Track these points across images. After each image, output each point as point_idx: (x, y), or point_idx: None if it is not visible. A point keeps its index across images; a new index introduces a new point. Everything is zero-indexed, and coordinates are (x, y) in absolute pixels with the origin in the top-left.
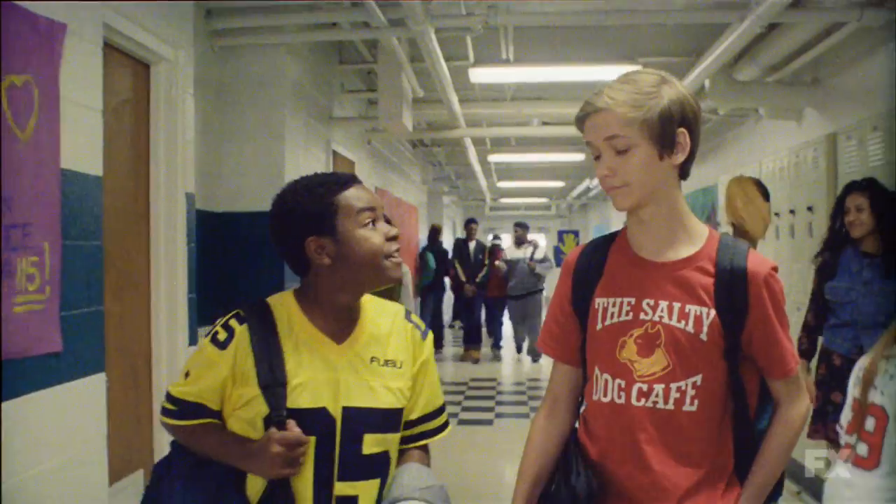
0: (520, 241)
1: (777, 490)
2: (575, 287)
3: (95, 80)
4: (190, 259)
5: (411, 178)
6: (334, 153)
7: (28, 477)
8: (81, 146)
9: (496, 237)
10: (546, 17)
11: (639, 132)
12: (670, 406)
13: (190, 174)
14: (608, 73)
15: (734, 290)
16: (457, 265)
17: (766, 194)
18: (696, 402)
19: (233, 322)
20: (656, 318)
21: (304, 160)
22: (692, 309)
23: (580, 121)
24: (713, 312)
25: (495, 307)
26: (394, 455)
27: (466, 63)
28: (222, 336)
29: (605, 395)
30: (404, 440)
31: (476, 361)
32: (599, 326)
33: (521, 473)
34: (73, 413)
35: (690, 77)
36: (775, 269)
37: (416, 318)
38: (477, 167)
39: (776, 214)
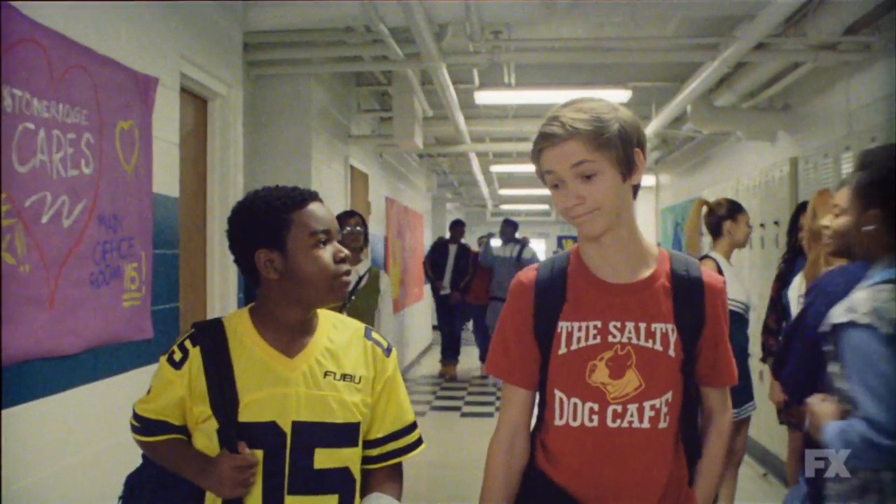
0: (506, 240)
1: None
2: (538, 311)
3: (174, 119)
4: None
5: (417, 186)
6: (351, 168)
7: (128, 439)
8: (164, 173)
9: (490, 235)
10: (544, 54)
11: (604, 157)
12: (646, 425)
13: (239, 192)
14: (601, 96)
15: (692, 303)
16: (426, 268)
17: (737, 208)
18: (668, 418)
19: (187, 343)
20: (625, 340)
21: (327, 175)
22: (658, 327)
23: (540, 151)
24: (675, 328)
25: (479, 315)
26: (356, 471)
27: (472, 86)
28: (178, 356)
29: (574, 420)
30: (374, 459)
31: (453, 378)
32: (563, 351)
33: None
34: None
35: (673, 103)
36: (723, 280)
37: (377, 335)
38: (480, 177)
39: (761, 225)
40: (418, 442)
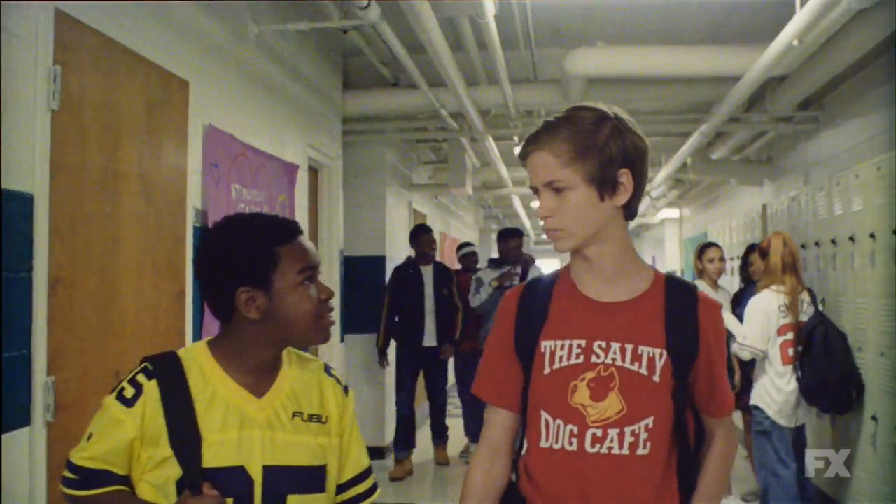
0: (501, 260)
1: None
2: (518, 330)
3: (304, 189)
4: (341, 291)
5: (465, 220)
6: (414, 210)
7: None
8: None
9: (466, 245)
10: None
11: (577, 175)
12: (625, 451)
13: (340, 236)
14: None
15: (685, 328)
16: (385, 316)
17: (702, 249)
18: (648, 444)
19: (140, 377)
20: (609, 361)
21: (396, 217)
22: (645, 350)
23: (522, 158)
24: (665, 353)
25: (470, 366)
26: None
27: (512, 143)
28: (129, 392)
29: (556, 442)
30: None
31: (447, 463)
32: (547, 370)
33: None
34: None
35: (674, 158)
36: (720, 307)
37: (335, 372)
38: (521, 211)
39: (738, 257)
40: (374, 487)
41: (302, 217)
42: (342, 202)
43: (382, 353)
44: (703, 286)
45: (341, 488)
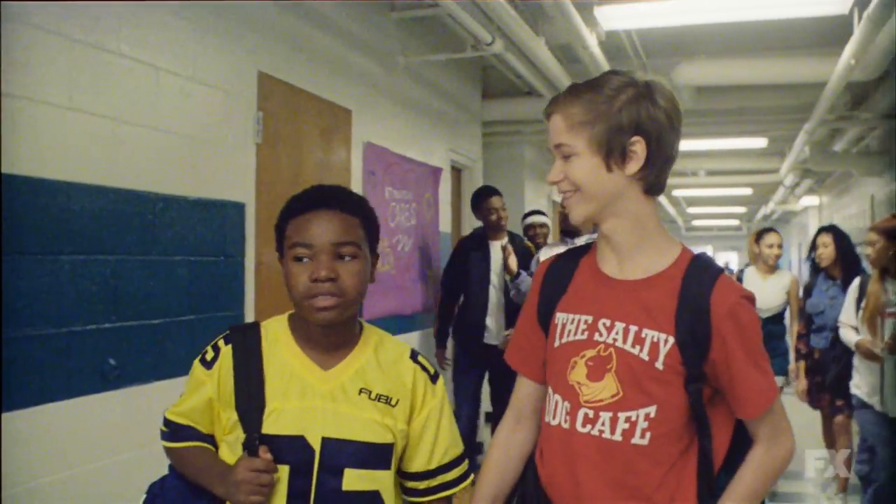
0: (570, 232)
1: None
2: (541, 299)
3: (448, 189)
4: None
5: None
6: (553, 202)
7: None
8: (444, 220)
9: (532, 213)
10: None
11: (580, 140)
12: (617, 437)
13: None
14: (738, 143)
15: (696, 317)
16: (446, 303)
17: (760, 234)
18: (647, 435)
19: (220, 342)
20: (609, 341)
21: (534, 207)
22: (649, 333)
23: (547, 116)
24: (671, 339)
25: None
26: (388, 498)
27: None
28: (209, 356)
29: (553, 418)
30: (422, 492)
31: None
32: (557, 343)
33: (477, 491)
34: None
35: (792, 151)
36: (748, 297)
37: (423, 360)
38: (663, 199)
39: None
40: (466, 474)
41: (446, 210)
42: None
43: (439, 345)
44: (749, 270)
45: (428, 475)
